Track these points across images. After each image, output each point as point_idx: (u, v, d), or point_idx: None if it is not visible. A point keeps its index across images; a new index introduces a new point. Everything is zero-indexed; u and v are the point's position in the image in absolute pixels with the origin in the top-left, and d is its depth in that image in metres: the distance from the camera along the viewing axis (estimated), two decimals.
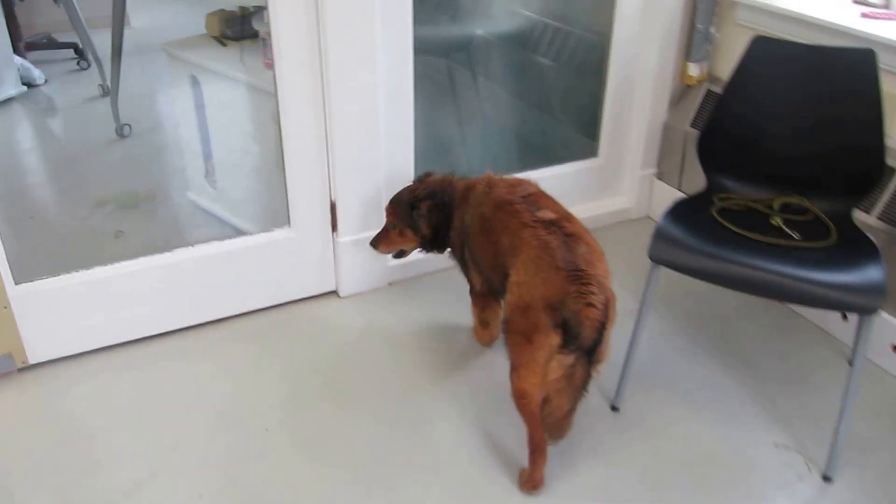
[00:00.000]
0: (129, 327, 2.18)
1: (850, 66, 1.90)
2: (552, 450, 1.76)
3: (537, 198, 1.84)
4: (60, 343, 2.11)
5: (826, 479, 1.80)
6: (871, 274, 1.69)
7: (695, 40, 2.48)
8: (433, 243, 2.10)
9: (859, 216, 2.06)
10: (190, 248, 2.19)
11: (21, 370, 2.07)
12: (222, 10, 2.58)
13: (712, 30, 2.46)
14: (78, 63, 3.75)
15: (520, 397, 1.67)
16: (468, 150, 2.85)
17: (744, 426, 1.94)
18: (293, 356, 2.16)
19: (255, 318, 2.31)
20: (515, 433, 1.82)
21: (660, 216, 1.90)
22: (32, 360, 2.08)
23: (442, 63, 2.74)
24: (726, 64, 2.51)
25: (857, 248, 1.79)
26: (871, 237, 1.83)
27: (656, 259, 1.81)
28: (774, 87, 1.99)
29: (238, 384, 2.05)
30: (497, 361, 2.12)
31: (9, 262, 1.97)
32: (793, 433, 1.92)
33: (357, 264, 2.36)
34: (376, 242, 2.15)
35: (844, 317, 2.20)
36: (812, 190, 1.95)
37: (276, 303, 2.35)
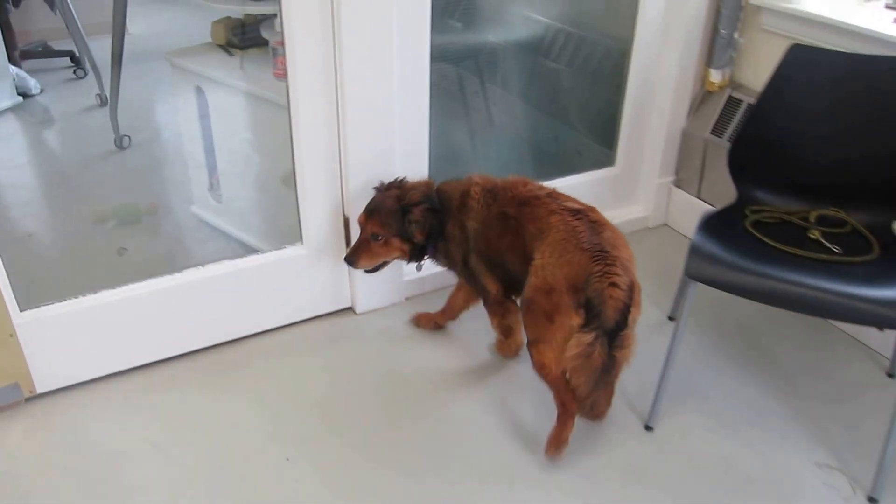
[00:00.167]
0: (138, 352, 2.09)
1: (890, 73, 1.86)
2: (585, 469, 1.76)
3: (558, 194, 1.86)
4: (69, 370, 2.02)
5: (872, 500, 1.74)
6: None
7: (717, 45, 2.42)
8: (420, 252, 2.02)
9: None
10: (200, 267, 2.11)
11: (28, 400, 1.98)
12: (228, 18, 2.47)
13: (736, 35, 2.40)
14: (75, 72, 3.66)
15: (540, 368, 1.76)
16: (482, 161, 2.78)
17: (784, 445, 1.88)
18: (312, 375, 2.09)
19: (270, 337, 2.23)
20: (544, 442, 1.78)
21: (693, 231, 1.84)
22: (40, 389, 1.99)
23: (454, 71, 2.66)
24: (750, 70, 2.47)
25: None
26: None
27: (694, 276, 1.75)
28: (812, 96, 1.93)
29: (257, 408, 1.97)
30: (522, 372, 2.07)
31: (12, 286, 1.88)
32: (836, 452, 1.86)
33: (373, 280, 2.28)
34: (355, 257, 1.99)
35: (880, 328, 2.14)
36: (848, 201, 1.90)
37: (291, 321, 2.27)
